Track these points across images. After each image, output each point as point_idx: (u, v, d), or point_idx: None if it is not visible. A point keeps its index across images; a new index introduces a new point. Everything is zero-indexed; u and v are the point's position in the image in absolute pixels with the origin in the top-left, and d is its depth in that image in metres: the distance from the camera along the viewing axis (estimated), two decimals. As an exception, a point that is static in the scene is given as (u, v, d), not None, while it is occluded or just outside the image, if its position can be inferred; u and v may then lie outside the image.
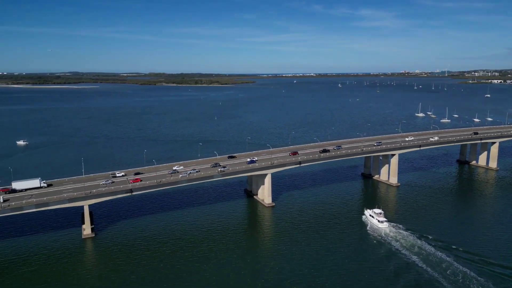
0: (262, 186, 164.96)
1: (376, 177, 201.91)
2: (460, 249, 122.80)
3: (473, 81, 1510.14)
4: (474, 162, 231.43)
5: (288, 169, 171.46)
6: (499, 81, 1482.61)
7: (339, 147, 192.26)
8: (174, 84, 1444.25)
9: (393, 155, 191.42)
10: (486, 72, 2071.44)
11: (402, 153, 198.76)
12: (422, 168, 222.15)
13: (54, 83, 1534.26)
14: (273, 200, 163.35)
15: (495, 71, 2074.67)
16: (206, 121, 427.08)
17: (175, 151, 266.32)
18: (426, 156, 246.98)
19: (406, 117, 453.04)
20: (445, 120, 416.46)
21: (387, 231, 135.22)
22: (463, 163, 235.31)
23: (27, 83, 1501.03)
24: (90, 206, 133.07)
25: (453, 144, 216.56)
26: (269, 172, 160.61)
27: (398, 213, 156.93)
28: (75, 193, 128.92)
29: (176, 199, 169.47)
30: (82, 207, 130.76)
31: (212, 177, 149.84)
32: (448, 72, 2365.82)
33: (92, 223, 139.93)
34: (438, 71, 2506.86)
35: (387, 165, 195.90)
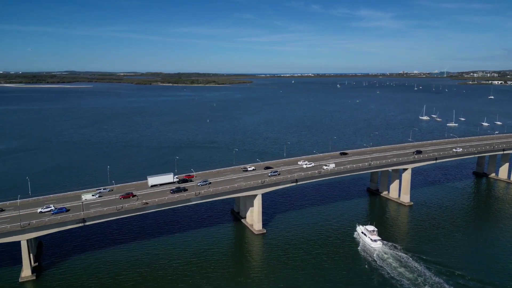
0: (251, 209, 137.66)
1: (384, 193, 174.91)
2: (465, 275, 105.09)
3: (473, 82, 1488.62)
4: (493, 174, 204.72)
5: (282, 188, 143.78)
6: (499, 82, 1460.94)
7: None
8: (170, 84, 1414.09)
9: (405, 169, 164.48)
10: (486, 73, 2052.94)
11: (415, 167, 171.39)
12: (436, 183, 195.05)
13: (48, 82, 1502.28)
14: (264, 226, 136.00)
15: (494, 72, 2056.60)
16: (197, 124, 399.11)
17: (152, 161, 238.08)
18: (439, 167, 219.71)
19: (410, 120, 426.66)
20: (452, 124, 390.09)
21: (381, 251, 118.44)
22: (480, 175, 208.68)
23: (20, 82, 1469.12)
24: (39, 238, 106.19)
25: (473, 156, 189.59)
26: (259, 192, 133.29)
27: (396, 232, 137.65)
28: (9, 225, 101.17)
29: (146, 224, 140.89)
30: (19, 242, 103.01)
31: (189, 200, 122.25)
32: (447, 73, 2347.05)
33: (38, 259, 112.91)
34: (436, 71, 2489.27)
35: (397, 180, 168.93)
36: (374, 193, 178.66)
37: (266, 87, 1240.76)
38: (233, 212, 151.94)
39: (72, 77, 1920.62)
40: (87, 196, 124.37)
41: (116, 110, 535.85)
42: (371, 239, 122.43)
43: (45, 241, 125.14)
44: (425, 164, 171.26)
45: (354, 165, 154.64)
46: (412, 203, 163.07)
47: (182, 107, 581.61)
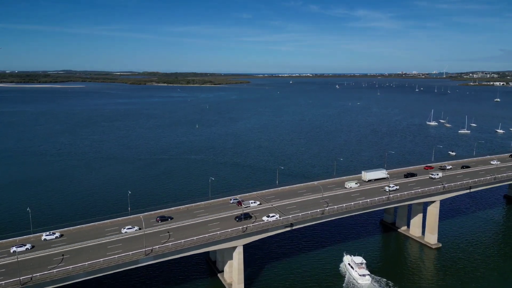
0: (229, 262, 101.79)
1: (403, 229, 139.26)
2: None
3: (474, 83, 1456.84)
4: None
5: (273, 235, 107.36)
6: (501, 83, 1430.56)
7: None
8: (165, 84, 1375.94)
9: (431, 202, 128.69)
10: (485, 74, 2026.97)
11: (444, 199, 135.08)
12: (464, 212, 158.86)
13: (40, 82, 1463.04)
14: (246, 284, 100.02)
15: (494, 72, 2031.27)
16: (185, 129, 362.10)
17: (122, 180, 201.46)
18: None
19: (418, 126, 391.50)
20: (464, 131, 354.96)
21: None
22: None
23: (11, 82, 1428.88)
24: None
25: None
26: (240, 244, 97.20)
27: (391, 265, 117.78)
28: None
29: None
30: None
31: (136, 262, 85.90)
32: (446, 73, 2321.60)
33: None
34: (435, 72, 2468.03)
35: (420, 214, 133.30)
36: (389, 228, 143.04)
37: (263, 88, 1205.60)
38: (208, 261, 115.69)
39: (67, 76, 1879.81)
40: (351, 184, 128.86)
41: (101, 112, 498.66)
42: (358, 274, 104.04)
43: None
44: (458, 194, 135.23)
45: (369, 200, 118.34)
46: (440, 244, 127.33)
47: (172, 109, 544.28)
